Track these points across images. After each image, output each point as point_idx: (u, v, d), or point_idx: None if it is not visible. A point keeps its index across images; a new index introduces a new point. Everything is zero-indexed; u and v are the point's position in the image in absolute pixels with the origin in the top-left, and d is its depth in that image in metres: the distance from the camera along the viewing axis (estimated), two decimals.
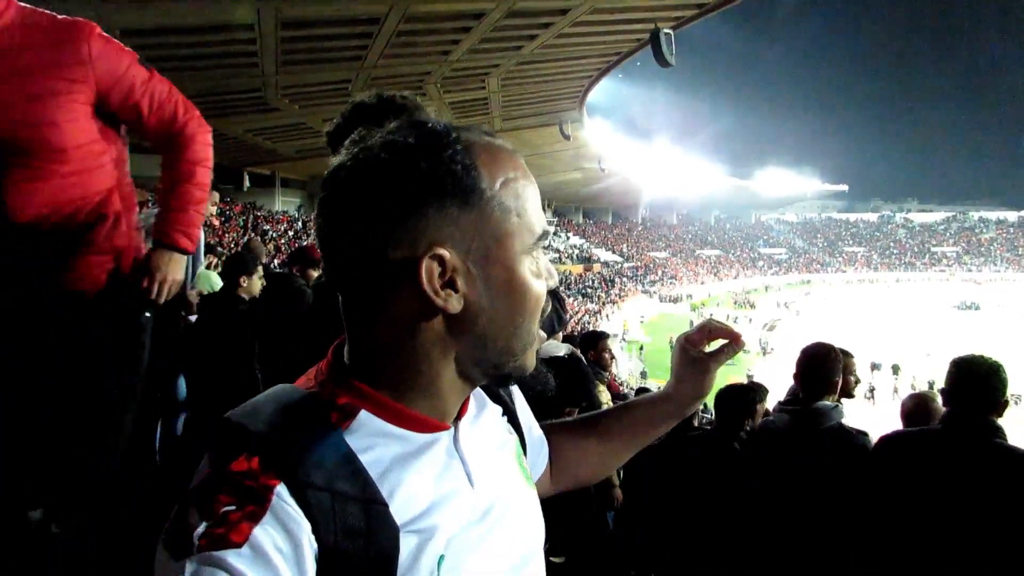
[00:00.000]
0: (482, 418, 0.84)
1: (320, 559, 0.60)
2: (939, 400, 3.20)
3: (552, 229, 0.69)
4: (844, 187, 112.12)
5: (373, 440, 0.68)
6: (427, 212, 0.66)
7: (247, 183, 33.36)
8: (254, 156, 30.17)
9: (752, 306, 58.61)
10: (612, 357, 4.93)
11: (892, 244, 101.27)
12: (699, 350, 1.03)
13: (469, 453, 0.75)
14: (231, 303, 4.06)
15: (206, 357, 3.96)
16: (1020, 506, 2.17)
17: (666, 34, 14.63)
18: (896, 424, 3.32)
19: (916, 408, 3.40)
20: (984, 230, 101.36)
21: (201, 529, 0.57)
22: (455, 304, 0.67)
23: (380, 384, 0.71)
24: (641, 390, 8.22)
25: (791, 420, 2.92)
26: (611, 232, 73.48)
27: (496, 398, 0.91)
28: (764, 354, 39.78)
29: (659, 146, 59.40)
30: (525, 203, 0.71)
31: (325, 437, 0.65)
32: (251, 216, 31.34)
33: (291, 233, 32.20)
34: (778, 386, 4.60)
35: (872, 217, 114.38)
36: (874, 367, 33.88)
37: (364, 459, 0.66)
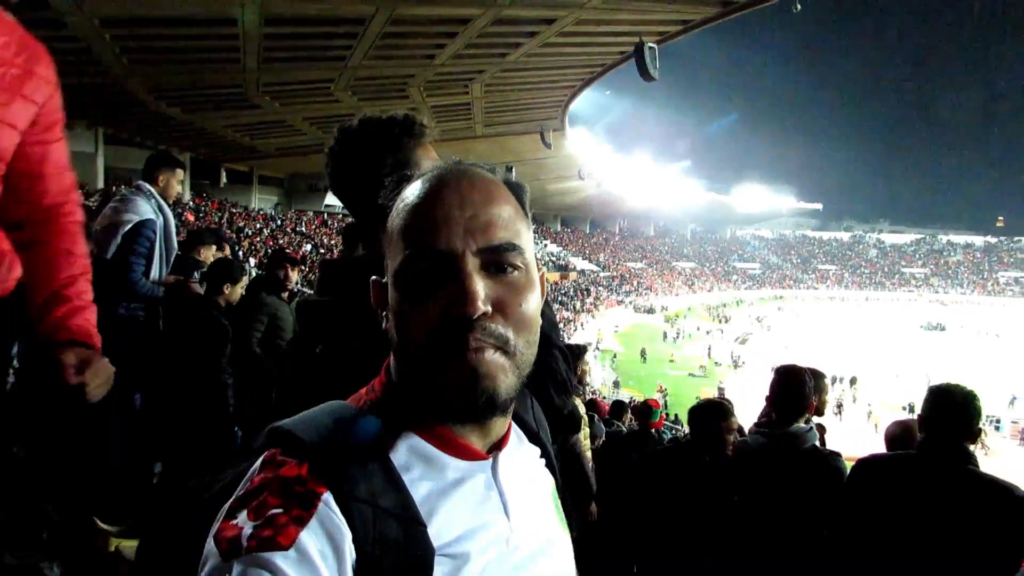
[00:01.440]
0: (521, 454, 0.83)
1: (356, 570, 0.61)
2: None
3: (441, 248, 0.64)
4: (818, 206, 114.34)
5: (416, 461, 0.70)
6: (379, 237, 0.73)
7: (224, 179, 32.99)
8: (232, 152, 29.90)
9: (727, 320, 59.14)
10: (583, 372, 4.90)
11: (863, 263, 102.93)
12: None
13: (507, 485, 0.75)
14: (208, 307, 4.00)
15: (174, 359, 3.89)
16: (990, 532, 2.21)
17: (650, 48, 14.77)
18: (863, 435, 3.36)
19: (902, 434, 3.45)
20: (952, 253, 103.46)
21: (249, 530, 0.59)
22: (388, 324, 0.73)
23: (417, 403, 0.72)
24: (616, 403, 8.24)
25: (766, 442, 2.96)
26: (588, 241, 73.81)
27: (535, 439, 0.89)
28: (735, 367, 40.20)
29: (639, 158, 59.84)
30: (401, 222, 0.71)
31: (372, 453, 0.67)
32: (227, 213, 30.95)
33: (267, 231, 31.85)
34: (749, 398, 4.64)
35: (845, 236, 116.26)
36: (834, 380, 34.41)
37: (406, 479, 0.67)
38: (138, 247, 3.63)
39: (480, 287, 0.67)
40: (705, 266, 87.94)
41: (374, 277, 0.74)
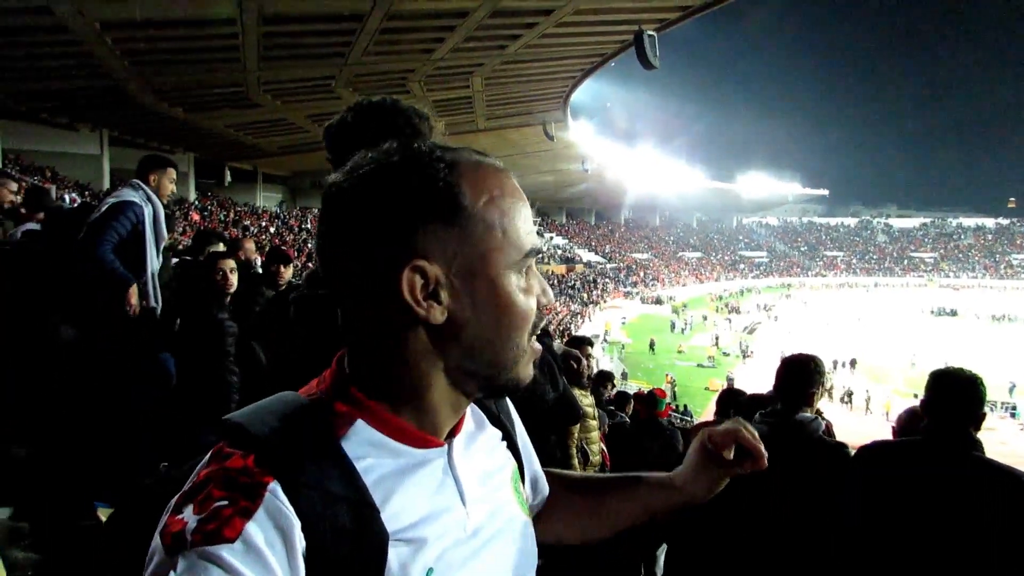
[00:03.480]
0: (479, 438, 0.85)
1: (308, 557, 0.61)
2: None
3: (543, 247, 0.67)
4: (825, 192, 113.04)
5: (368, 450, 0.70)
6: (412, 228, 0.68)
7: (228, 178, 33.14)
8: (236, 151, 29.99)
9: (735, 310, 58.90)
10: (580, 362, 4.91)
11: (871, 249, 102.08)
12: (720, 454, 0.95)
13: (462, 471, 0.77)
14: (216, 306, 4.06)
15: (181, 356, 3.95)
16: (995, 519, 2.20)
17: (650, 36, 14.69)
18: (873, 423, 3.34)
19: (912, 422, 3.41)
20: (962, 236, 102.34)
21: (194, 524, 0.58)
22: (438, 315, 0.69)
23: (376, 394, 0.73)
24: (620, 394, 8.22)
25: (770, 431, 2.92)
26: (594, 233, 73.66)
27: (496, 422, 0.91)
28: (744, 357, 40.05)
29: (642, 148, 59.58)
30: (511, 220, 0.72)
31: (321, 441, 0.67)
32: (232, 212, 31.08)
33: (272, 229, 31.96)
34: (758, 388, 4.65)
35: (852, 222, 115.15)
36: (836, 364, 35.06)
37: (359, 466, 0.68)
38: (116, 223, 3.63)
39: None
40: (711, 255, 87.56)
41: (419, 263, 0.68)
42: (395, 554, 0.66)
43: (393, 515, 0.67)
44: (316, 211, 29.66)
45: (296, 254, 28.62)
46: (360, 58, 16.61)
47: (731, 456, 0.95)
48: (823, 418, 2.96)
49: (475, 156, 0.74)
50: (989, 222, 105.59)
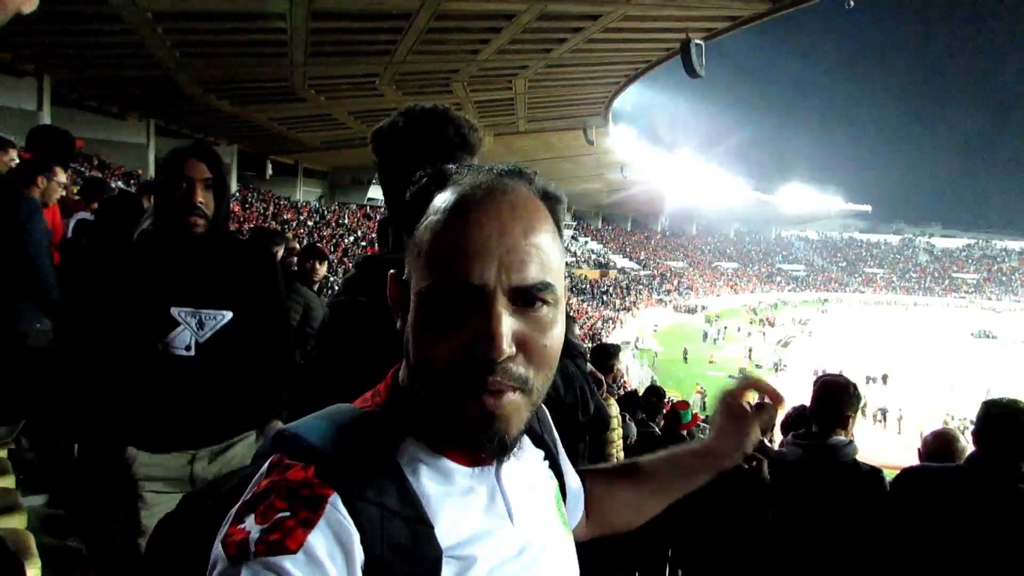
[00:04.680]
0: (524, 458, 0.83)
1: (365, 571, 0.61)
2: (962, 440, 3.18)
3: (473, 282, 0.60)
4: (867, 208, 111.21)
5: (421, 466, 0.70)
6: (406, 242, 0.72)
7: (270, 171, 33.60)
8: (278, 145, 30.44)
9: (771, 324, 58.12)
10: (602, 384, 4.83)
11: (912, 268, 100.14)
12: (740, 404, 1.02)
13: (510, 490, 0.76)
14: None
15: None
16: None
17: (696, 45, 14.57)
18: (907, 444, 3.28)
19: (938, 447, 3.34)
20: (1006, 259, 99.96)
21: (257, 534, 0.59)
22: (401, 324, 0.72)
23: (423, 408, 0.71)
24: (649, 404, 8.11)
25: (804, 454, 2.89)
26: (629, 239, 73.32)
27: (539, 442, 0.90)
28: (776, 371, 39.50)
29: (682, 156, 59.13)
30: (435, 239, 0.66)
31: (378, 456, 0.68)
32: (272, 205, 31.53)
33: (310, 223, 32.35)
34: (790, 403, 4.55)
35: (894, 239, 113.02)
36: (868, 380, 34.81)
37: (412, 481, 0.68)
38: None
39: (507, 328, 0.64)
40: (748, 267, 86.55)
41: (393, 272, 0.73)
42: (447, 571, 0.66)
43: (446, 532, 0.67)
44: (354, 206, 30.02)
45: (332, 249, 28.94)
46: (405, 56, 16.71)
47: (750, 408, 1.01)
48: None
49: (479, 175, 0.70)
50: None
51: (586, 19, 15.21)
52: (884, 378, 36.61)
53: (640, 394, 7.03)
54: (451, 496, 0.70)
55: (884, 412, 29.36)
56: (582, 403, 1.44)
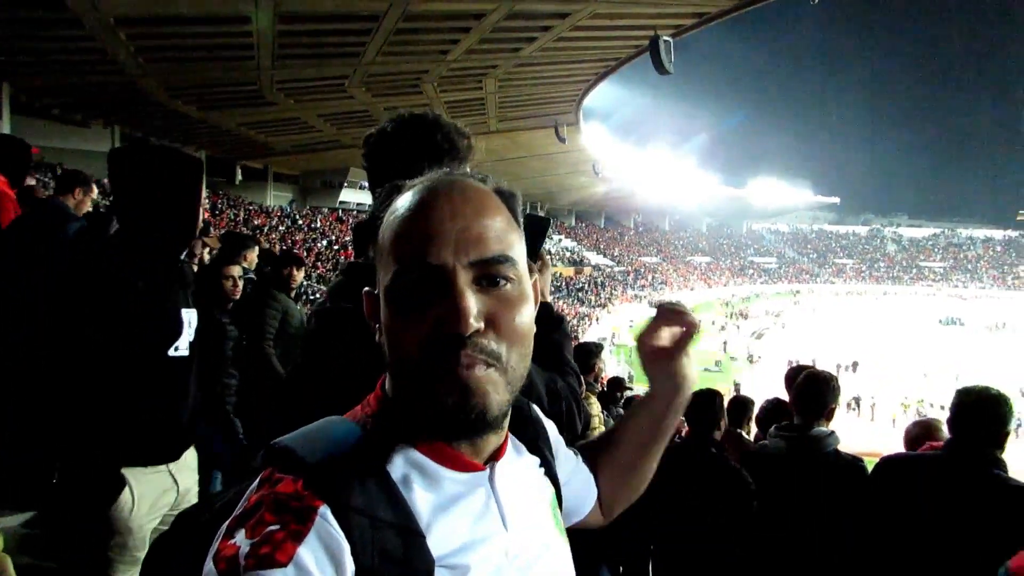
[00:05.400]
0: (519, 464, 0.84)
1: None
2: (944, 429, 3.24)
3: (432, 262, 0.62)
4: (836, 200, 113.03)
5: (413, 474, 0.70)
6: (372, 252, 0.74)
7: (239, 176, 33.20)
8: (247, 149, 30.07)
9: (745, 316, 58.86)
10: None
11: (881, 257, 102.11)
12: (655, 345, 1.01)
13: (504, 496, 0.76)
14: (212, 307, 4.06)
15: None
16: (1013, 537, 2.18)
17: (665, 42, 14.65)
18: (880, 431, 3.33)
19: (921, 435, 3.40)
20: (971, 247, 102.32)
21: (247, 548, 0.58)
22: (380, 335, 0.72)
23: (412, 417, 0.72)
24: (629, 399, 8.22)
25: (787, 446, 2.93)
26: (603, 236, 73.63)
27: (533, 449, 0.90)
28: (751, 362, 40.01)
29: (654, 152, 59.56)
30: (396, 231, 0.69)
31: (368, 467, 0.67)
32: (242, 210, 31.15)
33: (282, 228, 32.03)
34: (765, 394, 4.62)
35: (862, 230, 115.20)
36: (838, 368, 35.58)
37: (404, 492, 0.68)
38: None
39: (472, 303, 0.66)
40: (721, 260, 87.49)
41: (366, 289, 0.75)
42: None
43: (438, 541, 0.67)
44: (326, 210, 29.76)
45: (305, 253, 28.68)
46: (374, 58, 16.59)
47: (669, 343, 1.00)
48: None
49: (427, 177, 0.73)
50: (998, 234, 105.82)
51: (555, 17, 15.23)
52: (854, 365, 37.92)
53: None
54: (443, 504, 0.70)
55: (858, 400, 29.96)
56: (567, 422, 1.43)
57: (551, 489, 0.89)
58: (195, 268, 4.49)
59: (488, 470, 0.75)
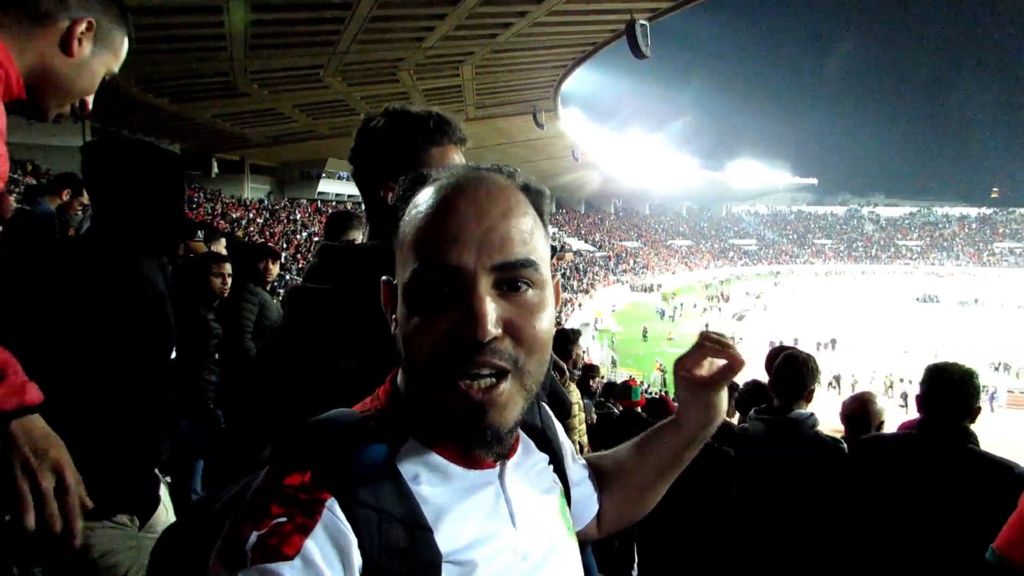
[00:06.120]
0: (528, 463, 0.83)
1: (364, 574, 0.61)
2: (878, 403, 3.29)
3: (453, 264, 0.61)
4: (814, 180, 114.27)
5: (422, 469, 0.70)
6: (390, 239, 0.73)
7: (215, 169, 32.80)
8: (223, 142, 29.74)
9: (726, 298, 59.31)
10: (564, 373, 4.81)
11: (859, 237, 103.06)
12: (694, 374, 0.95)
13: (514, 494, 0.75)
14: (198, 304, 4.00)
15: None
16: (991, 510, 2.21)
17: (642, 25, 14.60)
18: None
19: (856, 409, 3.45)
20: (947, 225, 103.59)
21: (253, 540, 0.58)
22: (395, 328, 0.72)
23: (423, 412, 0.71)
24: (609, 384, 8.29)
25: (767, 428, 2.94)
26: (584, 221, 73.74)
27: (543, 447, 0.89)
28: (733, 344, 40.40)
29: (633, 137, 59.64)
30: (414, 229, 0.67)
31: (376, 460, 0.67)
32: (219, 203, 30.80)
33: (260, 220, 31.72)
34: (746, 375, 4.65)
35: (840, 210, 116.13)
36: (819, 346, 36.87)
37: (413, 487, 0.67)
38: None
39: (491, 309, 0.64)
40: (701, 243, 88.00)
41: (385, 277, 0.74)
42: (447, 575, 0.65)
43: (446, 537, 0.66)
44: (304, 202, 29.48)
45: (285, 246, 28.44)
46: (349, 46, 16.42)
47: (708, 373, 0.95)
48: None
49: (457, 170, 0.71)
50: (973, 211, 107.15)
51: (530, 2, 15.14)
52: (833, 343, 38.81)
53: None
54: (452, 500, 0.69)
55: (838, 379, 30.34)
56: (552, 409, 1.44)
57: (560, 487, 0.88)
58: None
59: (498, 468, 0.75)
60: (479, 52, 18.91)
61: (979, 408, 2.46)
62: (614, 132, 55.65)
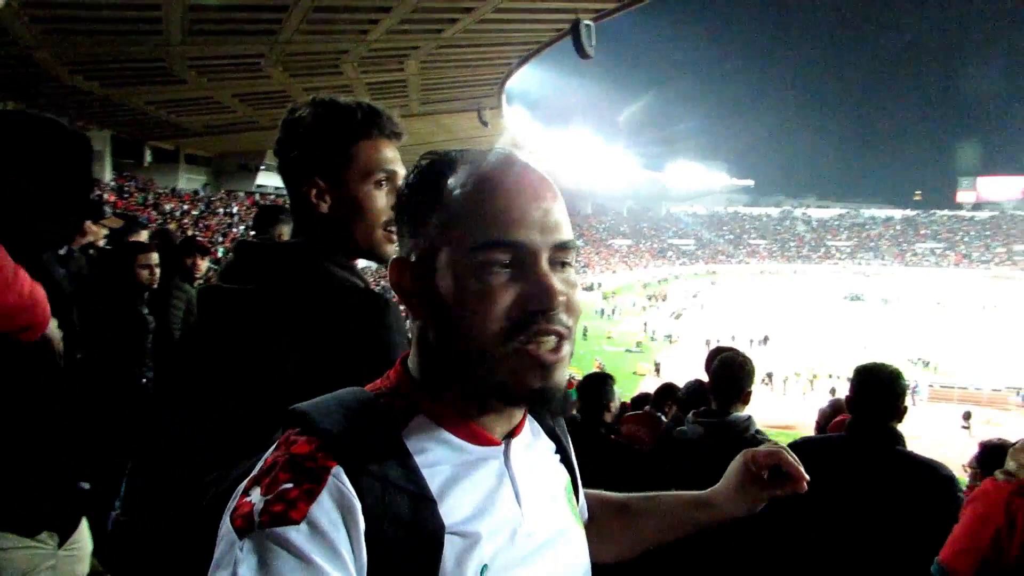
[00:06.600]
0: (536, 446, 0.87)
1: (368, 541, 0.63)
2: None
3: (523, 242, 0.64)
4: (750, 182, 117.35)
5: (429, 443, 0.72)
6: (410, 221, 0.75)
7: (148, 158, 31.59)
8: (157, 130, 28.60)
9: (664, 297, 60.44)
10: None
11: (792, 238, 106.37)
12: (762, 472, 1.01)
13: (519, 473, 0.78)
14: (132, 299, 3.81)
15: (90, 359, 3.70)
16: (919, 510, 2.29)
17: (587, 25, 14.73)
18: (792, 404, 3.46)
19: (830, 415, 3.51)
20: (874, 226, 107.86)
21: (261, 505, 0.61)
22: (416, 308, 0.74)
23: (432, 389, 0.75)
24: None
25: (705, 432, 2.93)
26: None
27: (551, 435, 0.92)
28: (671, 342, 41.16)
29: (575, 136, 60.12)
30: (476, 207, 0.70)
31: (384, 433, 0.70)
32: (152, 194, 29.69)
33: (195, 212, 30.73)
34: (684, 372, 4.77)
35: (775, 212, 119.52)
36: (751, 342, 38.06)
37: (418, 459, 0.70)
38: None
39: (556, 281, 0.70)
40: (641, 243, 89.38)
41: (399, 256, 0.76)
42: (451, 547, 0.67)
43: (450, 509, 0.68)
44: (242, 194, 28.54)
45: (221, 239, 27.64)
46: (291, 36, 16.04)
47: (767, 477, 1.00)
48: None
49: (490, 153, 0.76)
50: (897, 213, 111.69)
51: None
52: (765, 339, 39.94)
53: None
54: (457, 474, 0.72)
55: (771, 375, 31.28)
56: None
57: (567, 476, 0.91)
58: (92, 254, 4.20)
59: (504, 445, 0.77)
60: (424, 47, 18.74)
61: (906, 408, 2.50)
62: (557, 131, 56.01)
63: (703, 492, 1.06)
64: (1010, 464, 2.25)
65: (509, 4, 15.41)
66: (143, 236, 4.64)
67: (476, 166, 0.73)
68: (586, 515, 1.04)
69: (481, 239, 0.69)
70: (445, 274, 0.70)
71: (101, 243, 4.32)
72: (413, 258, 0.74)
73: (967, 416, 25.25)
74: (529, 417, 0.86)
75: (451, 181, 0.73)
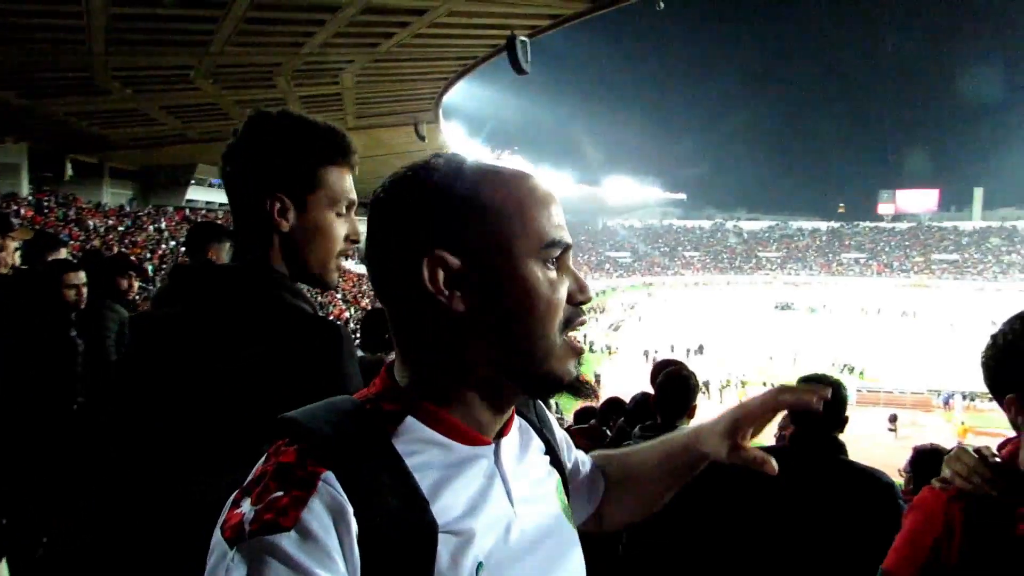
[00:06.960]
0: (526, 445, 0.88)
1: (360, 543, 0.63)
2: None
3: (571, 241, 0.67)
4: (683, 196, 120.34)
5: (418, 446, 0.72)
6: (432, 222, 0.72)
7: (69, 172, 30.24)
8: (79, 143, 27.42)
9: (602, 310, 61.30)
10: None
11: (724, 250, 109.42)
12: (745, 432, 0.94)
13: (510, 471, 0.79)
14: (61, 323, 3.64)
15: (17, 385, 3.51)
16: (862, 519, 2.35)
17: (522, 42, 14.91)
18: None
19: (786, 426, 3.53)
20: (801, 238, 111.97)
21: (251, 515, 0.61)
22: (459, 304, 0.72)
23: (423, 392, 0.75)
24: None
25: None
26: None
27: (540, 434, 0.93)
28: (610, 354, 41.72)
29: (513, 151, 60.57)
30: (528, 211, 0.74)
31: (372, 437, 0.70)
32: (74, 209, 28.43)
33: (121, 229, 29.58)
34: (623, 383, 4.81)
35: (707, 224, 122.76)
36: (688, 352, 38.87)
37: (409, 462, 0.69)
38: None
39: None
40: (578, 256, 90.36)
41: (439, 253, 0.72)
42: (445, 545, 0.67)
43: (442, 508, 0.69)
44: (171, 209, 27.69)
45: (148, 256, 26.67)
46: (223, 48, 15.69)
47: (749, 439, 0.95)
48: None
49: (504, 165, 0.79)
50: (823, 225, 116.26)
51: (412, 13, 15.09)
52: (700, 348, 40.88)
53: None
54: (448, 475, 0.72)
55: (707, 384, 32.01)
56: None
57: (557, 476, 0.91)
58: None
59: (494, 445, 0.78)
60: (360, 61, 18.62)
61: (847, 418, 2.54)
62: (495, 146, 56.29)
63: (689, 432, 1.03)
64: (945, 472, 2.31)
65: (445, 19, 15.47)
66: (62, 254, 4.41)
67: (501, 171, 0.77)
68: (592, 506, 1.07)
69: (546, 239, 0.74)
70: (511, 271, 0.72)
71: (16, 261, 4.09)
72: (454, 259, 0.72)
73: (893, 419, 26.41)
74: (518, 417, 0.88)
75: (488, 185, 0.74)
